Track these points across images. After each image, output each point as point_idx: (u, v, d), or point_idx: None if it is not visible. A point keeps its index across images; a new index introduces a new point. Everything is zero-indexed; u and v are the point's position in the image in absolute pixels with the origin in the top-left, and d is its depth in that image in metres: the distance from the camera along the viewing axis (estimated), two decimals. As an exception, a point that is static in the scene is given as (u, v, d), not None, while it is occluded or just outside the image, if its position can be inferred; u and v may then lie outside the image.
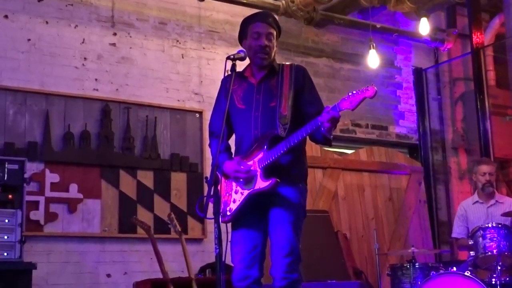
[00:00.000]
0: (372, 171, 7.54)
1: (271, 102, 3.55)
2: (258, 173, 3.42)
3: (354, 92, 3.25)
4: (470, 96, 8.24)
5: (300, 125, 3.41)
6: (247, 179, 3.45)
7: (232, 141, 3.73)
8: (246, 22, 3.70)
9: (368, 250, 7.08)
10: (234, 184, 3.52)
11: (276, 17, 6.86)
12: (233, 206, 3.47)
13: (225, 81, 3.66)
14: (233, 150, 3.70)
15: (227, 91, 3.53)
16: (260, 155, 3.44)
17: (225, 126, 3.36)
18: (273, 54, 3.65)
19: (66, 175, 5.78)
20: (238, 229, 3.50)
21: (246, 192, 3.45)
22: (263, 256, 3.51)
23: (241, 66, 3.56)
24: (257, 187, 3.41)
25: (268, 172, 3.41)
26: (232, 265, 3.49)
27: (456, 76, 8.68)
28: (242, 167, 3.44)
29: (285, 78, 3.61)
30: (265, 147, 3.43)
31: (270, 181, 3.38)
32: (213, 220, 3.10)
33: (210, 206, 3.15)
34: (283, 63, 3.75)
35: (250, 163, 3.47)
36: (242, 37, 3.74)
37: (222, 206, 3.39)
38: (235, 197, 3.48)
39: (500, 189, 7.77)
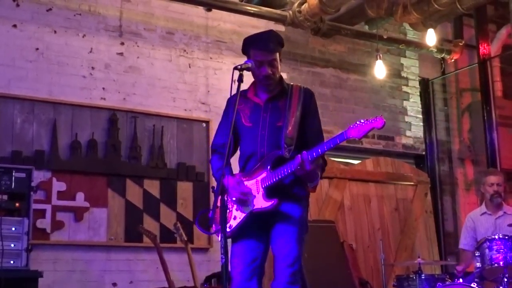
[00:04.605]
0: (379, 181, 7.53)
1: (278, 121, 3.52)
2: (261, 193, 3.41)
3: (362, 121, 3.23)
4: (476, 107, 8.23)
5: (304, 148, 3.39)
6: (241, 201, 3.43)
7: (234, 158, 3.66)
8: (248, 44, 3.59)
9: (374, 260, 7.06)
10: None
11: (283, 27, 7.07)
12: (233, 223, 3.45)
13: (232, 100, 3.62)
14: (234, 165, 3.66)
15: (234, 109, 3.53)
16: (263, 175, 3.43)
17: (231, 142, 3.37)
18: (278, 75, 3.58)
19: (73, 183, 5.80)
20: (238, 241, 3.47)
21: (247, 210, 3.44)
22: (263, 270, 3.49)
23: (246, 82, 3.48)
24: (259, 206, 3.41)
25: (270, 192, 3.41)
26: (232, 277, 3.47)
27: (463, 86, 8.68)
28: (240, 187, 3.42)
29: (294, 100, 3.56)
30: (269, 167, 3.42)
31: (272, 202, 3.38)
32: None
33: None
34: (292, 83, 3.69)
35: (252, 181, 3.46)
36: (245, 53, 3.64)
37: None
38: (236, 214, 3.46)
39: (507, 200, 7.73)
